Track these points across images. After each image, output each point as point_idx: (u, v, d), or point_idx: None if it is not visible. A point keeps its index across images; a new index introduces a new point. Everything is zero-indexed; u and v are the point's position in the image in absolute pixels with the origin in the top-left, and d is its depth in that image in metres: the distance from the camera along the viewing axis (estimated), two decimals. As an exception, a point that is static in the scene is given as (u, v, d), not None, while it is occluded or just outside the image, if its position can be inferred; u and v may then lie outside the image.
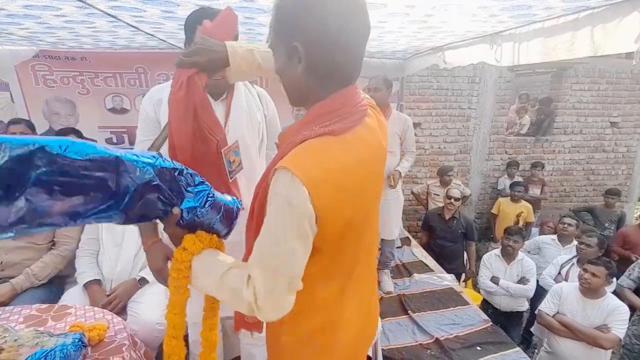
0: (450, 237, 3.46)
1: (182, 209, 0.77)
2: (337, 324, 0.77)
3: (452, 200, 3.41)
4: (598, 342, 2.10)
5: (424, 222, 3.79)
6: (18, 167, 0.58)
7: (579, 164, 5.40)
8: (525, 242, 3.34)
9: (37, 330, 1.15)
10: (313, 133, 0.66)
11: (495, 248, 3.32)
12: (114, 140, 3.18)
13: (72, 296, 1.71)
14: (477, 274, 3.10)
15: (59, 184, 0.62)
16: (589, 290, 2.21)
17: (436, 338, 2.20)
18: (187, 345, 0.97)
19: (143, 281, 1.74)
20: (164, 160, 0.76)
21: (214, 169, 0.98)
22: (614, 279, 2.48)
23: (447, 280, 2.91)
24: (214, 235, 0.83)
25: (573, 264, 2.77)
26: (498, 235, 4.10)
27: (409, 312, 2.47)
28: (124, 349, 1.18)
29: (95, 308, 1.44)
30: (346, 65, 0.68)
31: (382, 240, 2.81)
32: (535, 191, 4.65)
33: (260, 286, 0.65)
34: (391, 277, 2.84)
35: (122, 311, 1.64)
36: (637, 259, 3.06)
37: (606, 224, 4.29)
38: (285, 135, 0.76)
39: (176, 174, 0.78)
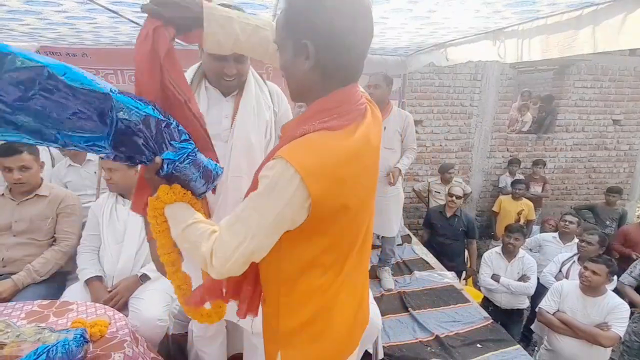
0: (451, 235, 3.46)
1: (162, 159, 0.81)
2: (332, 310, 0.80)
3: (454, 198, 3.41)
4: (598, 340, 2.10)
5: (425, 220, 3.79)
6: (23, 80, 0.66)
7: (581, 161, 5.38)
8: (526, 240, 3.33)
9: (38, 326, 1.15)
10: (312, 128, 0.69)
11: (496, 246, 3.32)
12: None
13: (74, 292, 1.71)
14: (478, 272, 3.11)
15: (52, 102, 0.69)
16: (590, 288, 2.21)
17: (436, 335, 2.21)
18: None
19: (144, 278, 1.74)
20: (153, 110, 0.79)
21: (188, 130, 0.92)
22: (615, 277, 2.48)
23: (447, 277, 2.91)
24: (189, 192, 0.85)
25: (574, 261, 2.76)
26: (499, 233, 4.10)
27: (410, 309, 2.48)
28: (125, 344, 1.18)
29: (97, 304, 1.44)
30: (350, 65, 0.71)
31: (382, 237, 2.81)
32: (536, 189, 4.64)
33: (221, 249, 0.69)
34: (392, 274, 2.85)
35: (123, 307, 1.64)
36: (638, 257, 3.06)
37: (607, 222, 4.29)
38: (286, 128, 0.79)
39: (163, 125, 0.81)
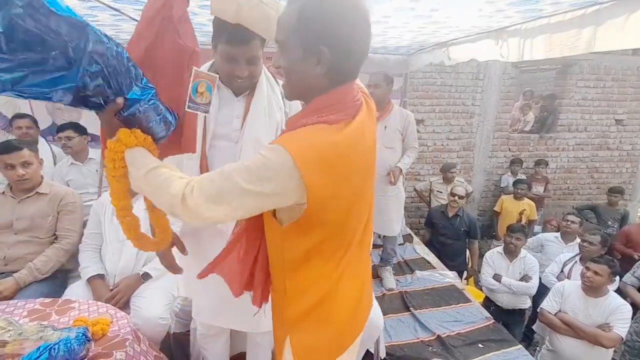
0: (452, 235, 3.45)
1: (126, 98, 0.79)
2: (336, 297, 0.83)
3: (456, 198, 3.40)
4: (599, 340, 2.10)
5: (426, 219, 3.78)
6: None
7: (583, 161, 5.36)
8: (528, 240, 3.33)
9: (41, 324, 1.16)
10: (310, 121, 0.73)
11: (497, 246, 3.31)
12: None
13: (76, 291, 1.71)
14: (479, 272, 3.10)
15: (23, 30, 0.61)
16: (591, 289, 2.20)
17: (438, 335, 2.21)
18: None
19: (146, 276, 1.74)
20: (122, 48, 0.77)
21: (167, 82, 0.91)
22: (617, 278, 2.47)
23: (449, 277, 2.91)
24: (149, 137, 0.84)
25: (576, 262, 2.76)
26: (500, 232, 4.09)
27: (411, 309, 2.47)
28: (127, 343, 1.18)
29: (99, 302, 1.44)
30: (355, 68, 0.77)
31: (384, 237, 2.81)
32: (538, 189, 4.63)
33: (202, 195, 0.70)
34: (393, 274, 2.84)
35: (125, 306, 1.64)
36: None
37: (609, 222, 4.27)
38: (288, 123, 0.82)
39: (130, 64, 0.79)
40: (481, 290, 3.06)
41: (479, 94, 4.83)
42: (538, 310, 2.42)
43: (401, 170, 2.53)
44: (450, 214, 3.45)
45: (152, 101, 0.84)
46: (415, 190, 4.49)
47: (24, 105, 3.00)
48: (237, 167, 0.71)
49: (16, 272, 1.74)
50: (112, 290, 1.68)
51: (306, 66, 0.72)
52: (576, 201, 5.39)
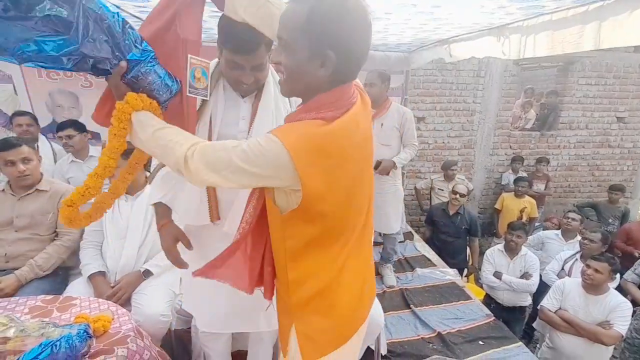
0: (453, 233, 3.45)
1: (127, 60, 0.84)
2: (339, 285, 0.85)
3: (458, 196, 3.39)
4: (600, 338, 2.10)
5: (427, 217, 3.78)
6: None
7: (584, 159, 5.35)
8: (529, 237, 3.33)
9: (42, 321, 1.16)
10: (308, 116, 0.76)
11: (498, 243, 3.31)
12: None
13: (77, 287, 1.72)
14: (480, 269, 3.10)
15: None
16: (592, 286, 2.20)
17: (438, 332, 2.21)
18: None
19: (147, 273, 1.74)
20: (119, 14, 0.83)
21: (169, 63, 0.95)
22: (617, 275, 2.47)
23: (449, 274, 2.91)
24: (154, 101, 0.89)
25: (576, 259, 2.76)
26: (501, 230, 4.09)
27: (412, 306, 2.48)
28: (128, 340, 1.19)
29: (100, 299, 1.45)
30: (356, 69, 0.79)
31: (384, 235, 2.81)
32: (539, 186, 4.63)
33: (202, 160, 0.76)
34: (393, 271, 2.84)
35: (126, 303, 1.65)
36: (641, 255, 3.05)
37: (610, 220, 4.27)
38: (287, 118, 0.85)
39: (128, 27, 0.85)
40: (481, 287, 3.07)
41: (480, 92, 4.82)
42: (538, 307, 2.42)
43: (395, 164, 2.48)
44: (451, 212, 3.45)
45: (152, 63, 0.88)
46: (415, 189, 4.48)
47: (24, 103, 3.00)
48: (236, 146, 0.75)
49: (17, 269, 1.75)
50: (113, 287, 1.68)
51: (310, 67, 0.74)
52: (577, 199, 5.38)
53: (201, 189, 1.12)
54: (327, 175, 0.75)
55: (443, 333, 2.20)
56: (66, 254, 1.91)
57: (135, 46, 0.86)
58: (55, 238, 1.93)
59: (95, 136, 3.10)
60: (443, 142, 4.96)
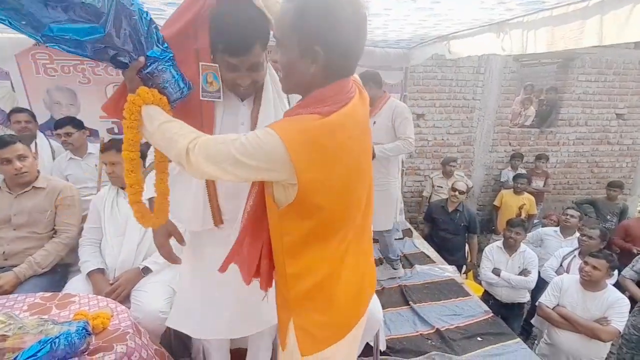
0: (452, 230, 3.46)
1: (146, 56, 0.89)
2: (337, 280, 0.86)
3: (457, 193, 3.40)
4: (597, 334, 2.11)
5: (426, 214, 3.79)
6: None
7: (583, 156, 5.35)
8: (528, 234, 3.33)
9: (41, 318, 1.16)
10: (305, 111, 0.77)
11: (496, 240, 3.32)
12: (116, 130, 3.17)
13: (76, 285, 1.72)
14: (479, 266, 3.11)
15: None
16: (590, 283, 2.21)
17: (437, 328, 2.22)
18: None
19: (146, 270, 1.74)
20: (148, 14, 0.89)
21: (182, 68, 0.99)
22: (615, 272, 2.48)
23: (448, 271, 2.92)
24: (164, 98, 0.93)
25: (575, 256, 2.76)
26: (500, 227, 4.10)
27: (410, 302, 2.49)
28: (127, 336, 1.19)
29: (99, 296, 1.45)
30: (350, 67, 0.80)
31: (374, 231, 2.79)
32: (538, 183, 4.63)
33: (203, 153, 0.77)
34: (395, 268, 2.84)
35: (125, 300, 1.64)
36: (639, 251, 3.06)
37: (608, 217, 4.28)
38: (285, 114, 0.85)
39: (154, 27, 0.90)
40: (480, 284, 3.08)
41: (479, 88, 4.80)
42: (536, 304, 2.43)
43: (374, 153, 2.32)
44: (450, 209, 3.45)
45: (169, 63, 0.93)
46: (422, 197, 4.45)
47: (21, 100, 2.98)
48: (235, 139, 0.76)
49: (16, 267, 1.74)
50: (112, 284, 1.68)
51: (302, 64, 0.76)
52: (576, 196, 5.39)
53: (203, 194, 1.12)
54: (322, 169, 0.76)
55: (442, 329, 2.21)
56: (65, 252, 1.91)
57: (157, 45, 0.91)
58: (54, 235, 1.93)
59: (94, 133, 3.09)
60: (442, 139, 4.96)
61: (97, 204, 1.86)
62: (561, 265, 2.81)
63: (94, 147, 2.79)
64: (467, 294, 2.64)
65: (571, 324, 2.20)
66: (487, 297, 2.90)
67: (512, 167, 4.80)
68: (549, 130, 5.19)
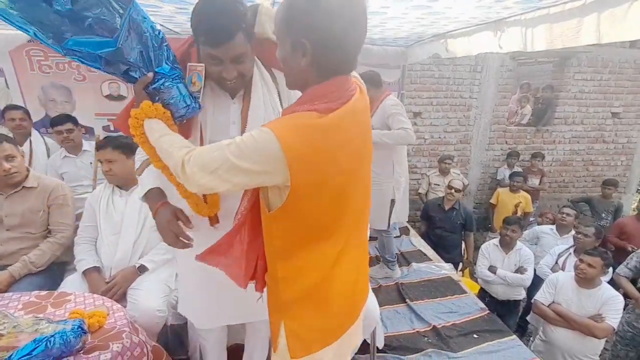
0: (448, 227, 3.47)
1: (155, 72, 0.94)
2: (331, 283, 0.85)
3: (453, 191, 3.41)
4: (592, 331, 2.13)
5: (422, 212, 3.80)
6: None
7: (579, 154, 5.39)
8: (524, 232, 3.35)
9: (36, 317, 1.15)
10: (301, 109, 0.76)
11: (493, 238, 3.33)
12: (111, 127, 3.14)
13: (71, 283, 1.70)
14: (475, 264, 3.13)
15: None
16: (585, 280, 2.22)
17: (433, 326, 2.23)
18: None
19: (142, 268, 1.73)
20: (161, 32, 0.95)
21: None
22: (610, 269, 2.50)
23: (445, 269, 2.93)
24: (168, 112, 0.96)
25: (570, 253, 2.78)
26: (496, 225, 4.12)
27: (407, 300, 2.49)
28: (123, 335, 1.18)
29: (95, 295, 1.44)
30: (344, 61, 0.78)
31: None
32: (534, 181, 4.66)
33: (197, 164, 0.77)
34: (391, 267, 2.84)
35: (122, 298, 1.63)
36: (633, 249, 3.09)
37: (603, 215, 4.31)
38: (283, 112, 0.85)
39: (165, 45, 0.96)
40: (476, 282, 3.09)
41: (476, 87, 4.82)
42: (532, 301, 2.45)
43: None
44: (447, 207, 3.46)
45: (177, 80, 0.97)
46: (419, 194, 4.45)
47: (16, 97, 2.95)
48: (230, 143, 0.75)
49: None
50: (108, 282, 1.67)
51: (293, 59, 0.76)
52: (571, 194, 5.43)
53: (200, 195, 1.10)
54: (316, 169, 0.74)
55: (438, 327, 2.22)
56: (60, 251, 1.89)
57: (166, 62, 0.96)
58: (48, 235, 1.90)
59: (89, 130, 3.07)
60: (439, 137, 4.97)
61: (93, 202, 1.84)
62: (556, 262, 2.83)
63: (89, 145, 2.77)
64: (463, 292, 2.65)
65: (566, 321, 2.21)
66: (483, 294, 2.91)
67: (509, 165, 4.83)
68: (545, 129, 5.22)
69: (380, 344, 1.93)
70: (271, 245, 0.84)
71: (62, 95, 3.05)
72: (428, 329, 2.23)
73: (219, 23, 0.89)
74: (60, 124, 2.61)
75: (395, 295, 2.59)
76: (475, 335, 2.18)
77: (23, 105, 2.79)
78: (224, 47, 0.92)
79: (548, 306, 2.31)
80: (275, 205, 0.78)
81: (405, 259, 3.09)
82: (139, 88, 0.94)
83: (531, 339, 2.67)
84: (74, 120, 2.68)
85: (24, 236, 1.83)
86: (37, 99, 3.02)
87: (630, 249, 3.26)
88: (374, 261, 2.90)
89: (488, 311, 2.42)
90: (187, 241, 1.01)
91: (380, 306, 1.93)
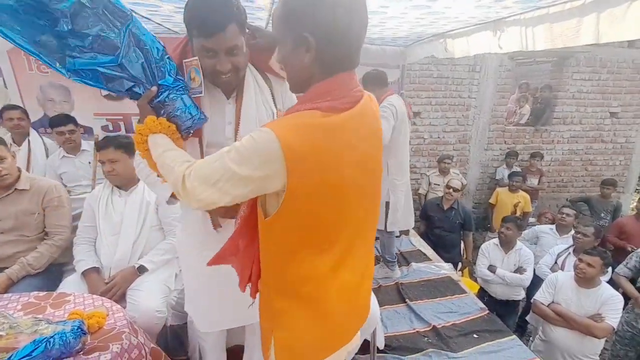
0: (447, 227, 3.47)
1: (159, 85, 0.94)
2: (325, 297, 0.81)
3: (452, 190, 3.41)
4: (591, 331, 2.13)
5: (422, 212, 3.80)
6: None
7: (577, 154, 5.40)
8: (524, 232, 3.36)
9: (35, 318, 1.15)
10: (303, 107, 0.73)
11: (492, 237, 3.34)
12: (110, 127, 3.13)
13: (70, 284, 1.70)
14: (474, 264, 3.13)
15: (85, 13, 0.84)
16: (584, 280, 2.23)
17: (433, 326, 2.23)
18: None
19: (142, 269, 1.73)
20: (161, 44, 0.96)
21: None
22: (609, 269, 2.51)
23: (444, 269, 2.93)
24: (173, 126, 0.96)
25: (569, 253, 2.79)
26: (495, 225, 4.12)
27: (407, 300, 2.49)
28: (123, 336, 1.18)
29: (94, 296, 1.43)
30: (347, 55, 0.74)
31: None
32: (533, 181, 4.66)
33: (198, 178, 0.75)
34: (391, 268, 2.84)
35: (121, 299, 1.63)
36: (633, 249, 3.09)
37: (602, 214, 4.32)
38: (286, 113, 0.82)
39: (167, 57, 0.96)
40: (476, 281, 3.09)
41: (475, 87, 4.82)
42: (532, 301, 2.45)
43: None
44: (446, 207, 3.46)
45: (181, 92, 0.97)
46: (417, 194, 4.45)
47: (14, 97, 2.94)
48: (230, 149, 0.73)
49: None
50: (107, 283, 1.67)
51: (296, 56, 0.73)
52: (570, 193, 5.44)
53: None
54: (315, 170, 0.70)
55: (438, 327, 2.22)
56: (57, 253, 1.87)
57: (169, 74, 0.96)
58: (45, 237, 1.87)
59: (88, 130, 3.06)
60: (438, 137, 4.97)
61: (92, 203, 1.84)
62: (556, 262, 2.83)
63: (87, 145, 2.76)
64: (463, 292, 2.65)
65: (566, 321, 2.22)
66: (482, 294, 2.92)
67: (507, 165, 4.83)
68: (543, 129, 5.23)
69: (380, 344, 1.92)
70: (267, 252, 0.82)
71: (60, 95, 3.03)
72: (428, 329, 2.23)
73: (212, 13, 0.90)
74: (62, 125, 2.61)
75: (395, 295, 2.59)
76: (475, 335, 2.18)
77: (21, 105, 2.78)
78: (217, 37, 0.92)
79: (548, 306, 2.32)
80: (272, 211, 0.75)
81: (405, 259, 3.09)
82: (143, 102, 0.94)
83: (531, 338, 2.68)
84: (74, 121, 2.67)
85: (18, 239, 1.80)
86: (35, 98, 3.00)
87: (629, 248, 3.26)
88: (375, 261, 2.89)
89: (488, 311, 2.43)
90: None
91: (380, 306, 1.93)
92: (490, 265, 2.84)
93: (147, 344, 1.32)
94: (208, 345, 1.51)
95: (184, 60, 1.00)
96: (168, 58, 0.96)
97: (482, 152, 5.17)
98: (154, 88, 0.94)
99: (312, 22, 0.69)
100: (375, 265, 2.82)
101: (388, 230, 2.61)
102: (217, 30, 0.92)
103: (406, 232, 3.59)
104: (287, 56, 0.76)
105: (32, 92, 2.98)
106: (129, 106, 3.00)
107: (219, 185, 0.73)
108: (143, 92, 0.94)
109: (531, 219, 4.35)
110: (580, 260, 2.25)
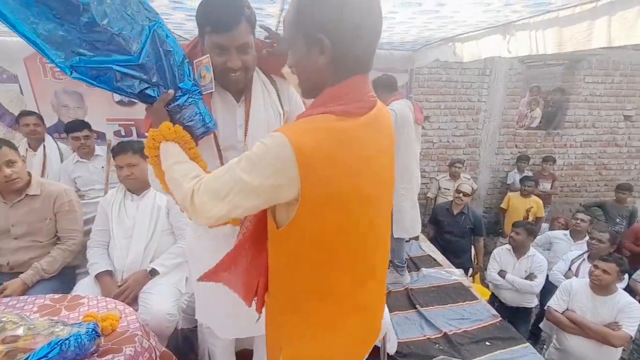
0: (457, 232, 3.43)
1: (178, 88, 0.94)
2: (336, 314, 0.78)
3: (462, 195, 3.37)
4: (608, 339, 2.08)
5: (431, 216, 3.76)
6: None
7: (591, 158, 5.30)
8: (537, 238, 3.30)
9: (51, 320, 1.17)
10: (317, 111, 0.71)
11: (504, 243, 3.29)
12: (122, 133, 3.20)
13: (84, 287, 1.73)
14: (485, 269, 3.08)
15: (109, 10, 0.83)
16: (600, 287, 2.18)
17: (444, 332, 2.20)
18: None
19: (154, 272, 1.75)
20: (181, 49, 0.97)
21: None
22: (626, 276, 2.45)
23: (455, 275, 2.89)
24: (187, 135, 0.95)
25: (584, 259, 2.73)
26: (507, 230, 4.06)
27: (417, 306, 2.46)
28: (136, 338, 1.19)
29: (107, 298, 1.45)
30: (363, 57, 0.72)
31: None
32: (545, 186, 4.59)
33: (207, 193, 0.73)
34: (401, 273, 2.81)
35: (133, 302, 1.65)
36: (650, 255, 3.02)
37: (617, 220, 4.22)
38: (298, 117, 0.81)
39: (187, 61, 0.97)
40: (487, 287, 3.04)
41: (485, 90, 4.78)
42: (545, 308, 2.40)
43: None
44: (455, 212, 3.43)
45: (198, 97, 0.97)
46: (426, 197, 4.42)
47: (29, 103, 3.02)
48: (240, 159, 0.71)
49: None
50: (120, 286, 1.69)
51: (310, 58, 0.71)
52: (584, 198, 5.33)
53: None
54: (329, 177, 0.67)
55: (449, 333, 2.19)
56: (70, 258, 1.89)
57: (189, 79, 0.96)
58: (58, 242, 1.89)
59: (101, 136, 3.13)
60: (448, 141, 4.94)
61: (105, 206, 1.87)
62: (570, 269, 2.78)
63: (101, 150, 2.83)
64: (474, 298, 2.61)
65: (581, 329, 2.16)
66: (492, 300, 2.87)
67: (519, 170, 4.77)
68: (555, 132, 5.15)
69: (391, 349, 1.90)
70: (276, 265, 0.78)
71: (74, 101, 3.11)
72: (439, 335, 2.19)
73: (226, 10, 0.94)
74: (78, 130, 2.69)
75: (405, 301, 2.56)
76: (487, 343, 2.14)
77: (37, 111, 2.86)
78: (230, 34, 0.96)
79: (562, 313, 2.26)
80: (284, 222, 0.71)
81: (414, 264, 3.06)
82: (160, 105, 0.93)
83: (545, 346, 2.62)
84: (89, 127, 2.75)
85: (32, 245, 1.82)
86: (50, 104, 3.08)
87: (646, 254, 3.19)
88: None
89: (500, 318, 2.38)
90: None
91: (390, 312, 1.92)
92: (501, 270, 2.80)
93: (158, 347, 1.33)
94: (218, 350, 1.52)
95: (194, 61, 1.01)
96: (187, 62, 0.97)
97: (492, 156, 5.11)
98: (171, 91, 0.93)
99: (325, 22, 0.68)
100: None
101: (395, 237, 2.59)
102: (230, 27, 0.95)
103: (416, 237, 3.56)
104: (301, 59, 0.74)
105: (47, 98, 3.06)
106: (141, 112, 3.05)
107: (229, 198, 0.70)
108: (157, 95, 0.93)
109: (544, 224, 4.27)
110: (595, 266, 2.20)
